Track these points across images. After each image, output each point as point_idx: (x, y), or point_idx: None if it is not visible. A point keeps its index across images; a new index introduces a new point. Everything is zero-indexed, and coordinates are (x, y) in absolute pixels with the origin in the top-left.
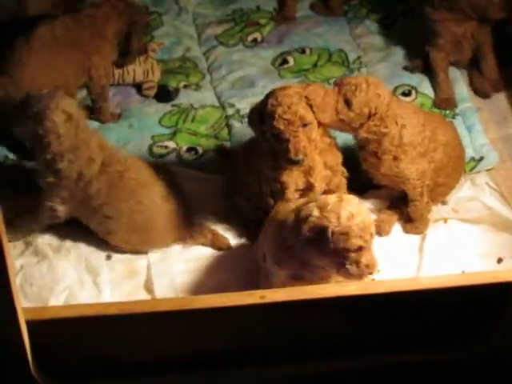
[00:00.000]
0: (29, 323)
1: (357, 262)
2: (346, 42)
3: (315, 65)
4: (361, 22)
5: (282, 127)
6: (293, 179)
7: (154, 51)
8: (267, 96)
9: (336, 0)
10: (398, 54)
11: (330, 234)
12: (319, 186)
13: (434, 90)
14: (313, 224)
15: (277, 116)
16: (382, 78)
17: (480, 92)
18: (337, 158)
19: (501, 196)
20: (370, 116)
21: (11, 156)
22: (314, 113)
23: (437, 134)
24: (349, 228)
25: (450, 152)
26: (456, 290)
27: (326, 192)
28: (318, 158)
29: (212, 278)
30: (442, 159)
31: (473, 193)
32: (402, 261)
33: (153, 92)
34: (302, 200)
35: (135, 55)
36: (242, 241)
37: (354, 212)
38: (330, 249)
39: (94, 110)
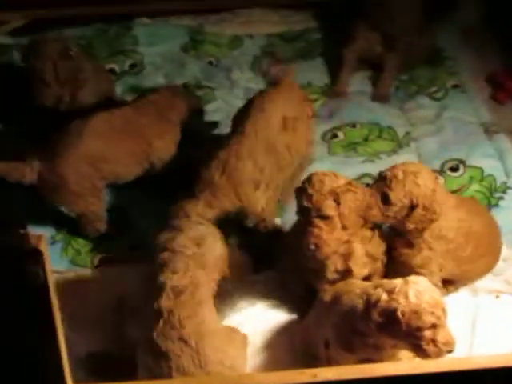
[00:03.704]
0: None
1: (433, 341)
2: (396, 117)
3: (366, 139)
4: (411, 97)
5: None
6: (331, 261)
7: None
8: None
9: (383, 87)
10: (448, 128)
11: (400, 314)
12: (359, 271)
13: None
14: (382, 308)
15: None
16: (431, 152)
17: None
18: (379, 248)
19: None
20: (412, 207)
21: None
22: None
23: (471, 228)
24: (418, 306)
25: (478, 242)
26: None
27: (365, 277)
28: (359, 246)
29: (262, 355)
30: (469, 253)
31: None
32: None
33: None
34: (368, 284)
35: None
36: (293, 316)
37: (422, 290)
38: (403, 331)
39: None
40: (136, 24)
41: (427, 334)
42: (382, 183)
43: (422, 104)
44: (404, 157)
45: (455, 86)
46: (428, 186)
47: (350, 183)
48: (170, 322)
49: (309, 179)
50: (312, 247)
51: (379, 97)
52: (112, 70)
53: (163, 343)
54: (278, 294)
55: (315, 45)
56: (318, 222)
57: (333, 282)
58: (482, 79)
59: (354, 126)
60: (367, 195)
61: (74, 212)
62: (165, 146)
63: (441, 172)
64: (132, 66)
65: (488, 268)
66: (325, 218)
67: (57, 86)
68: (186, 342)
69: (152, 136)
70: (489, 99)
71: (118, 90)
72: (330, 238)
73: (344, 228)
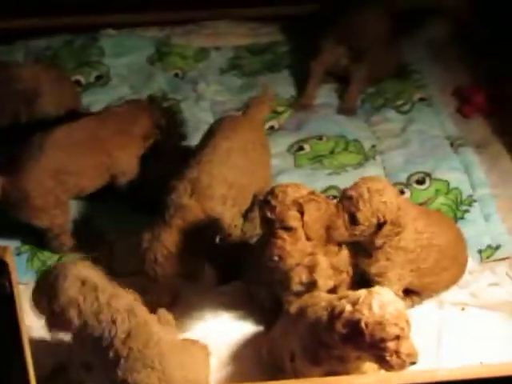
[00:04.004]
0: None
1: (397, 352)
2: (362, 129)
3: (332, 152)
4: (377, 110)
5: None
6: (296, 272)
7: None
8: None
9: (350, 100)
10: (414, 141)
11: (363, 325)
12: (324, 283)
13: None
14: (346, 319)
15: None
16: (397, 166)
17: (345, 110)
18: (345, 260)
19: None
20: (379, 224)
21: None
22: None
23: (432, 241)
24: (382, 317)
25: (442, 255)
26: (475, 382)
27: (331, 289)
28: (324, 258)
29: (228, 368)
30: (430, 265)
31: (493, 280)
32: (420, 350)
33: None
34: (333, 296)
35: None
36: (260, 328)
37: (386, 301)
38: (366, 342)
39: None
40: (102, 35)
41: (391, 345)
42: (347, 203)
43: (389, 117)
44: (370, 170)
45: (422, 100)
46: (393, 201)
47: (312, 193)
48: (130, 356)
49: (271, 191)
50: (275, 258)
51: (346, 110)
52: (78, 82)
53: (130, 377)
54: (246, 306)
55: (282, 57)
56: (281, 233)
57: (298, 294)
58: (448, 93)
59: (320, 138)
60: (330, 205)
61: (39, 226)
62: (126, 158)
63: (407, 185)
64: (98, 77)
65: (453, 280)
66: (288, 229)
67: (10, 104)
68: (152, 367)
69: (112, 148)
70: (455, 113)
71: (84, 101)
72: (293, 249)
73: (308, 239)
